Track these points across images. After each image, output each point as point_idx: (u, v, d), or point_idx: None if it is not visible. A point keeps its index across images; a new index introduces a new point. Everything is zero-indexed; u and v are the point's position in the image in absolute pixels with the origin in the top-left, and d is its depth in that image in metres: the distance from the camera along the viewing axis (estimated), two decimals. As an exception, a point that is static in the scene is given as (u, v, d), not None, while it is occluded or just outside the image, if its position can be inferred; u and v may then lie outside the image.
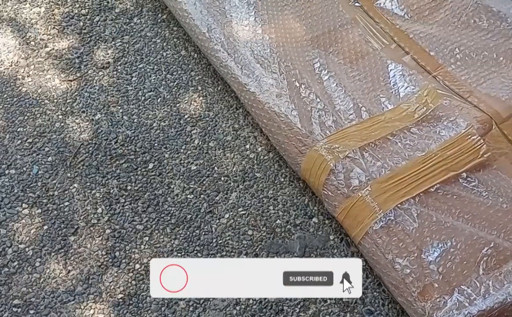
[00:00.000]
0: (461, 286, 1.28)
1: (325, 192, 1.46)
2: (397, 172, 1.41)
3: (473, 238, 1.34)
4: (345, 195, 1.42)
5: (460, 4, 1.70)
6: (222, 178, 1.65)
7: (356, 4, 1.77)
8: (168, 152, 1.70)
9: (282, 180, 1.65)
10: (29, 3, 1.97)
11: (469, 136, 1.43)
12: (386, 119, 1.51)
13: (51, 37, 1.90)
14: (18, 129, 1.73)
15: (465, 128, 1.45)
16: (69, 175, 1.65)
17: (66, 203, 1.61)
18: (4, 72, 1.83)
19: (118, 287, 1.49)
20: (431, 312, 1.27)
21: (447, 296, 1.27)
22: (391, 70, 1.61)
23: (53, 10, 1.96)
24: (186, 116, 1.76)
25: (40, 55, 1.86)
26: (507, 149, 1.44)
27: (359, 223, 1.38)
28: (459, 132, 1.45)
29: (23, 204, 1.60)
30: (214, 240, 1.56)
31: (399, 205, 1.36)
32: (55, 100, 1.78)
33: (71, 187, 1.63)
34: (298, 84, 1.60)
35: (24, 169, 1.66)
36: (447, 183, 1.40)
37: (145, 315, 1.46)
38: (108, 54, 1.87)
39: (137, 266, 1.52)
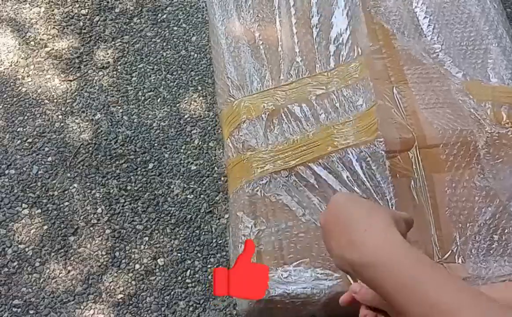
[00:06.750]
0: (285, 266, 1.30)
1: (228, 143, 1.50)
2: (284, 147, 1.43)
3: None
4: (239, 150, 1.46)
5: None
6: (222, 178, 1.65)
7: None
8: (168, 153, 1.70)
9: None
10: (29, 3, 1.97)
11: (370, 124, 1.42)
12: (318, 81, 1.51)
13: (51, 37, 1.90)
14: (18, 129, 1.72)
15: (371, 103, 1.43)
16: (69, 175, 1.65)
17: (66, 203, 1.60)
18: (4, 72, 1.83)
19: (118, 287, 1.49)
20: None
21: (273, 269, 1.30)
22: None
23: (53, 10, 1.96)
24: (186, 116, 1.76)
25: (40, 55, 1.86)
26: (411, 174, 1.43)
27: (236, 179, 1.42)
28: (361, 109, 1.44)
29: (23, 204, 1.60)
30: (214, 240, 1.56)
31: (272, 174, 1.40)
32: (55, 100, 1.78)
33: (71, 187, 1.63)
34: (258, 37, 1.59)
35: (24, 169, 1.66)
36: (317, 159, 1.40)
37: (145, 315, 1.46)
38: (108, 54, 1.87)
39: (137, 266, 1.52)
